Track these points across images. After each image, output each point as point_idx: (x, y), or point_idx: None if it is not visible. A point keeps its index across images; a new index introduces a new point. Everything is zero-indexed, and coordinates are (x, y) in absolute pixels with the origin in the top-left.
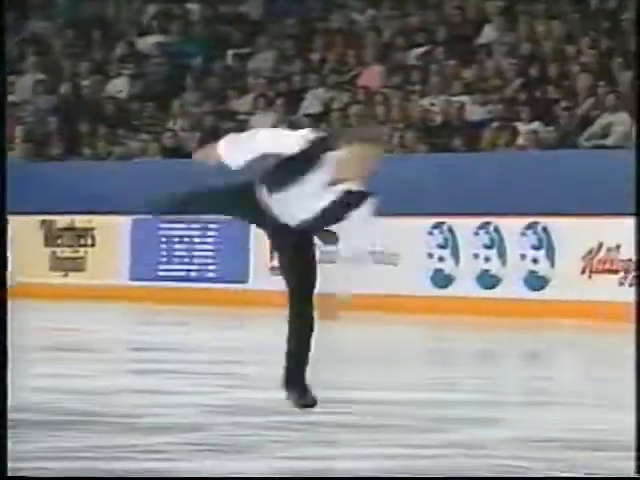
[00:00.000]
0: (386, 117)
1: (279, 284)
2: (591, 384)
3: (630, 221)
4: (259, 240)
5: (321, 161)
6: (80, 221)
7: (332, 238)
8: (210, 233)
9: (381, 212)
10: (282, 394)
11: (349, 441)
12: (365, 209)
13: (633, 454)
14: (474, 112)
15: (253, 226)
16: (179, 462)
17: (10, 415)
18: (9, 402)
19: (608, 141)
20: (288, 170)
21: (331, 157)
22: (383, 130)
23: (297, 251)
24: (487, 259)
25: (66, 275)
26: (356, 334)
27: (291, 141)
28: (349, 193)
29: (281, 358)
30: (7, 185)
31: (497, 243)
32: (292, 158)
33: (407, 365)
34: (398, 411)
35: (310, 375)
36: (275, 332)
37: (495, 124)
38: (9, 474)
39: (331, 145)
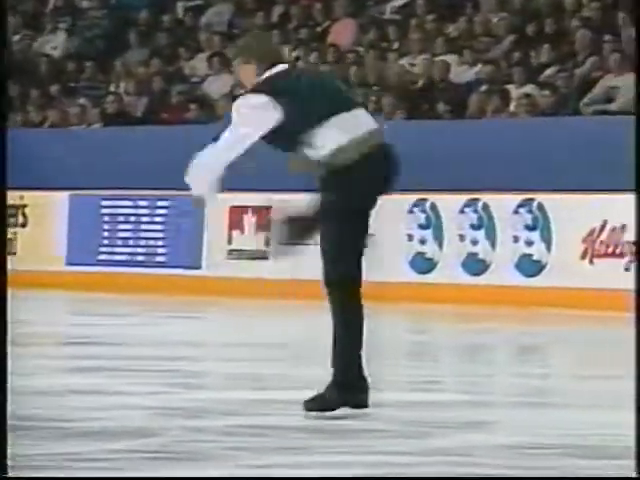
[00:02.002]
0: (360, 79)
1: (238, 270)
2: (591, 383)
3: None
4: (215, 219)
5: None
6: (9, 197)
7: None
8: (159, 211)
9: None
10: (242, 394)
11: (319, 447)
12: None
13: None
14: (460, 74)
15: (207, 204)
16: (126, 472)
17: None
18: None
19: (612, 106)
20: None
21: None
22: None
23: None
24: (474, 241)
25: None
26: (328, 326)
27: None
28: None
29: (239, 353)
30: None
31: (486, 223)
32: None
33: (385, 361)
34: (374, 413)
35: (276, 372)
36: (232, 324)
37: (484, 87)
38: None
39: None
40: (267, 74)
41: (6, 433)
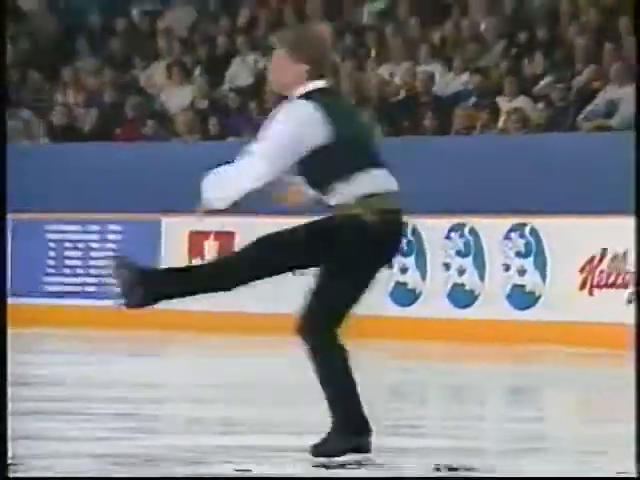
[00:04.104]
0: (335, 89)
1: (199, 302)
2: (591, 428)
3: None
4: (171, 245)
5: None
6: None
7: None
8: (110, 237)
9: None
10: (201, 439)
11: None
12: None
13: None
14: (445, 84)
15: (164, 226)
16: None
17: None
18: None
19: (613, 121)
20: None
21: None
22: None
23: None
24: (461, 270)
25: None
26: (303, 367)
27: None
28: None
29: (202, 393)
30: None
31: (474, 250)
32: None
33: (363, 402)
34: (349, 459)
35: (250, 416)
36: (195, 361)
37: (471, 100)
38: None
39: None
40: (322, 83)
41: (6, 433)
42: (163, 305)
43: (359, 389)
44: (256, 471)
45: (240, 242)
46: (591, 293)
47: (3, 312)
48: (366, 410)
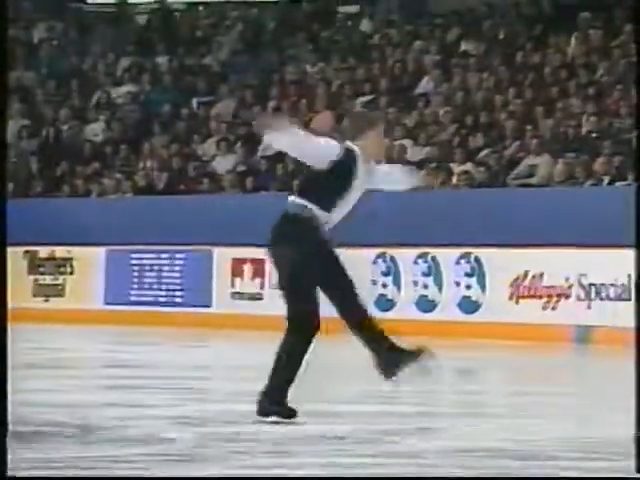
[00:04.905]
0: None
1: (239, 308)
2: (518, 397)
3: (551, 251)
4: (220, 269)
5: (356, 171)
6: (60, 251)
7: None
8: (177, 262)
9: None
10: (243, 407)
11: (299, 452)
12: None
13: (562, 463)
14: (414, 154)
15: (215, 256)
16: (145, 471)
17: None
18: None
19: (533, 180)
20: (334, 188)
21: (360, 162)
22: (379, 114)
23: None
24: (425, 285)
25: (47, 300)
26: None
27: (319, 153)
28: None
29: (241, 374)
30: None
31: (434, 271)
32: (331, 174)
33: (351, 380)
34: (343, 422)
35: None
36: (237, 350)
37: (432, 165)
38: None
39: (355, 152)
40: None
41: (6, 434)
42: (212, 310)
43: (348, 370)
44: (274, 430)
45: (269, 267)
46: (517, 302)
47: (3, 312)
48: (351, 385)
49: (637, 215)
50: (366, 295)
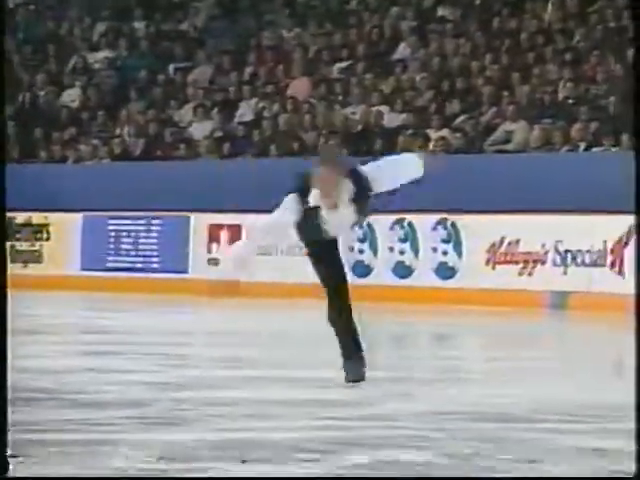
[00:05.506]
0: (312, 124)
1: (215, 273)
2: (495, 362)
3: (528, 217)
4: (197, 234)
5: (318, 212)
6: (37, 218)
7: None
8: (154, 228)
9: None
10: (221, 372)
11: (281, 415)
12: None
13: (539, 425)
14: (391, 120)
15: (192, 222)
16: (124, 434)
17: None
18: None
19: (509, 146)
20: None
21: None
22: (333, 148)
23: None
24: (402, 252)
25: (25, 266)
26: (286, 318)
27: (284, 220)
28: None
29: (219, 340)
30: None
31: (411, 237)
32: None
33: (331, 346)
34: (325, 386)
35: (242, 355)
36: (214, 316)
37: (409, 131)
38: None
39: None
40: None
41: (6, 434)
42: (188, 275)
43: (327, 337)
44: (255, 395)
45: (245, 232)
46: (494, 268)
47: (3, 309)
48: (331, 351)
49: (637, 181)
50: (343, 261)
